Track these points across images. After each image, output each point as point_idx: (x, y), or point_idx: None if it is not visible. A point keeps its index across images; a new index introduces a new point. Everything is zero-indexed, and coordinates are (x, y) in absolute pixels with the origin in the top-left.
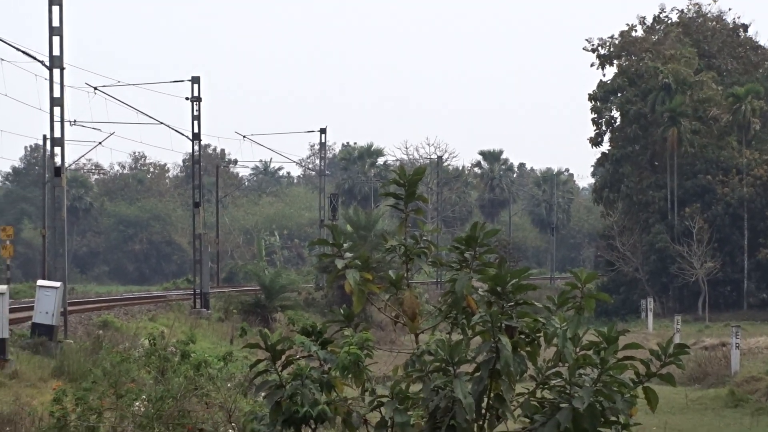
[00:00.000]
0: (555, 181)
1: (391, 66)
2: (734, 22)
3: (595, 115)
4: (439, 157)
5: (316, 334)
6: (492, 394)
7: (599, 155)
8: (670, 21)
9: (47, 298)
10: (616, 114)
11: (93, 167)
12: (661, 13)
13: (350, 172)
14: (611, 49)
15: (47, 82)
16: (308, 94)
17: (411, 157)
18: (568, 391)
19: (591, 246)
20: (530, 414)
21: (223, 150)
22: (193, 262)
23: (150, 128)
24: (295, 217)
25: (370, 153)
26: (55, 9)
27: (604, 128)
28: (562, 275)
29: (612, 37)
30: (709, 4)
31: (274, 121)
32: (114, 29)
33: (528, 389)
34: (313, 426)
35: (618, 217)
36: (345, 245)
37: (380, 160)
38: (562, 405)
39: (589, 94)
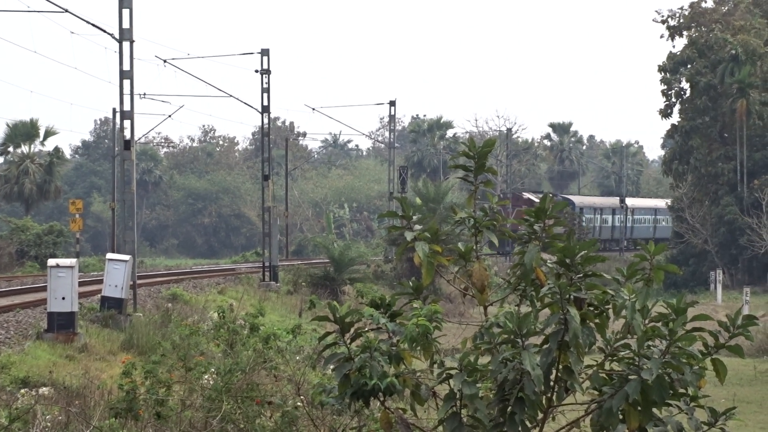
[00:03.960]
0: (624, 153)
1: (460, 38)
2: None
3: (665, 87)
4: (509, 130)
5: (385, 306)
6: (560, 366)
7: (669, 127)
8: None
9: (116, 271)
10: (685, 85)
11: (162, 140)
12: None
13: (419, 144)
14: (681, 21)
15: (117, 55)
16: (378, 66)
17: (480, 129)
18: (636, 363)
19: None
20: (599, 386)
21: (292, 123)
22: (262, 235)
23: (219, 101)
24: (364, 190)
25: (440, 125)
26: None
27: (673, 100)
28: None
29: (682, 8)
30: None
31: (343, 93)
32: (183, 1)
33: (596, 361)
34: (381, 398)
35: (687, 189)
36: (414, 218)
37: (449, 133)
38: (630, 377)
39: (659, 66)
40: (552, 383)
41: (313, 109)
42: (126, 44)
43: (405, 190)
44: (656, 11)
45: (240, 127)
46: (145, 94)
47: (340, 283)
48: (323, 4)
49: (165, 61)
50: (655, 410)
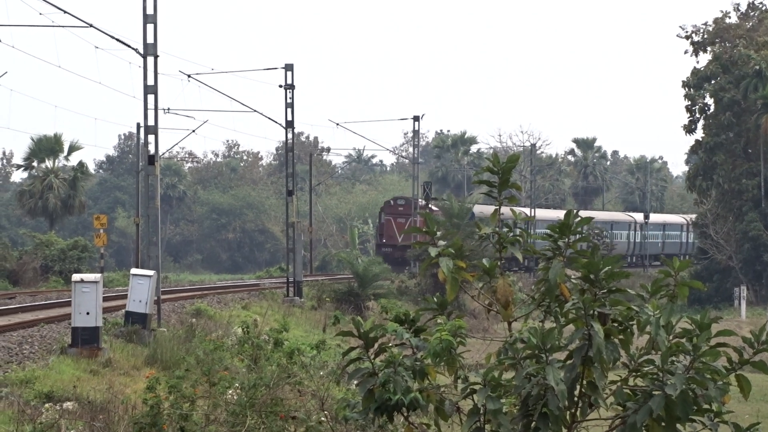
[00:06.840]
0: (648, 168)
1: (485, 54)
2: None
3: (689, 103)
4: (533, 145)
5: (409, 321)
6: (584, 382)
7: (693, 143)
8: (764, 7)
9: (141, 286)
10: (709, 101)
11: (186, 155)
12: None
13: (443, 159)
14: (705, 36)
15: (141, 70)
16: (402, 81)
17: (504, 144)
18: (660, 379)
19: None
20: (623, 401)
21: (316, 138)
22: (286, 251)
23: (243, 116)
24: None
25: (464, 141)
26: None
27: (697, 115)
28: (656, 263)
29: (706, 24)
30: None
31: (367, 108)
32: (207, 16)
33: (620, 377)
34: (405, 413)
35: (711, 205)
36: (438, 233)
37: (473, 148)
38: (654, 392)
39: (683, 81)
40: (576, 398)
41: (337, 124)
42: (150, 59)
43: (429, 206)
44: (680, 27)
45: (264, 142)
46: (169, 109)
47: (364, 299)
48: (348, 19)
49: (189, 76)
50: (679, 426)
